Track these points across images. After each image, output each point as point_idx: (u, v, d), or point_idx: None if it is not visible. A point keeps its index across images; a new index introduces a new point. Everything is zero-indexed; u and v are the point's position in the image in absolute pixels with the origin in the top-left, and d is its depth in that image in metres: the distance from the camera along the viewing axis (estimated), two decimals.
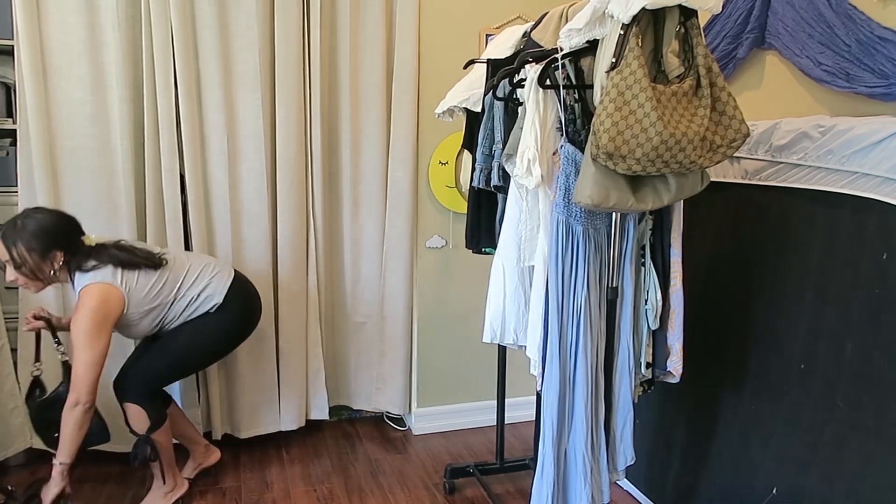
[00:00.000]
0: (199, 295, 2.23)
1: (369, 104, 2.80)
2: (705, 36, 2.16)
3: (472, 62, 2.30)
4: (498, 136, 2.01)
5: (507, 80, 1.86)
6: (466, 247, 2.32)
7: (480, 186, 2.08)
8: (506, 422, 2.58)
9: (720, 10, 1.50)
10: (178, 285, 2.19)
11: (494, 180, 2.01)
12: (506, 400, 2.55)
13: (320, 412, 2.93)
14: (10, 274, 2.03)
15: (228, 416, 2.81)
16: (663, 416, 2.28)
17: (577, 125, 1.68)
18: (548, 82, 1.65)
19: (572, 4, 1.78)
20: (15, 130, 2.47)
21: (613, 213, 1.67)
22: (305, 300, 2.83)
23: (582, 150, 1.57)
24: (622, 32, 1.43)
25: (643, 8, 1.39)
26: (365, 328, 2.99)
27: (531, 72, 1.67)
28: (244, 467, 2.70)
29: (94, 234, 2.54)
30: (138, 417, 2.21)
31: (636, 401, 1.83)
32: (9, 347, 2.50)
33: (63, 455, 2.03)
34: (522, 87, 1.80)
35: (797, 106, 2.02)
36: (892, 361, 1.49)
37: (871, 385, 1.54)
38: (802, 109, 2.00)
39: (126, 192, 2.53)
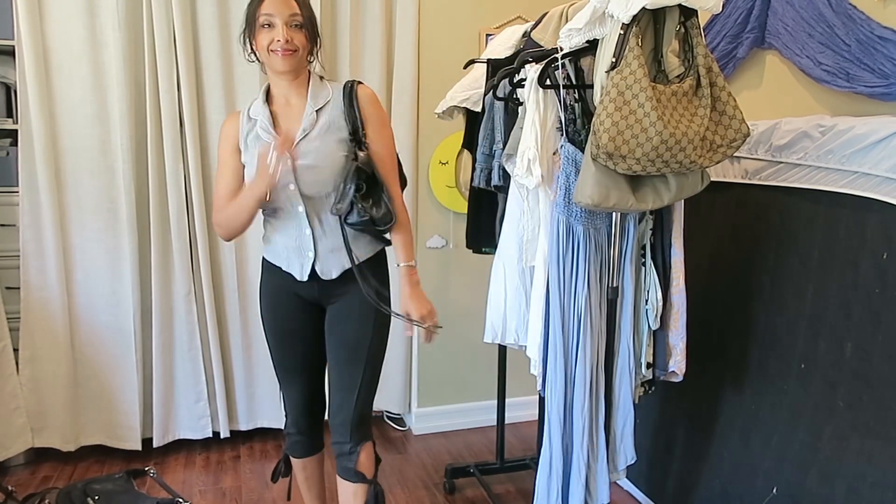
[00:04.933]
0: None
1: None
2: (705, 36, 2.16)
3: (472, 62, 2.30)
4: (498, 136, 2.01)
5: (507, 79, 1.86)
6: (467, 246, 2.32)
7: (481, 186, 2.08)
8: (506, 422, 2.58)
9: (720, 9, 1.50)
10: None
11: (495, 180, 2.02)
12: (506, 400, 2.56)
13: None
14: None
15: (228, 410, 2.82)
16: (663, 416, 2.28)
17: (577, 125, 1.68)
18: (548, 82, 1.64)
19: (572, 4, 1.78)
20: (16, 130, 2.48)
21: (614, 213, 1.67)
22: None
23: (582, 150, 1.57)
24: (622, 32, 1.43)
25: (643, 8, 1.39)
26: None
27: (531, 72, 1.67)
28: (244, 467, 2.70)
29: (93, 233, 2.56)
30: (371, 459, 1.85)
31: (637, 401, 1.82)
32: (11, 347, 2.51)
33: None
34: (522, 86, 1.79)
35: (797, 106, 2.02)
36: (892, 361, 1.49)
37: (871, 385, 1.54)
38: (802, 109, 2.00)
39: (126, 192, 2.53)
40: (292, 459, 1.98)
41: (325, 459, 2.06)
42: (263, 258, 1.84)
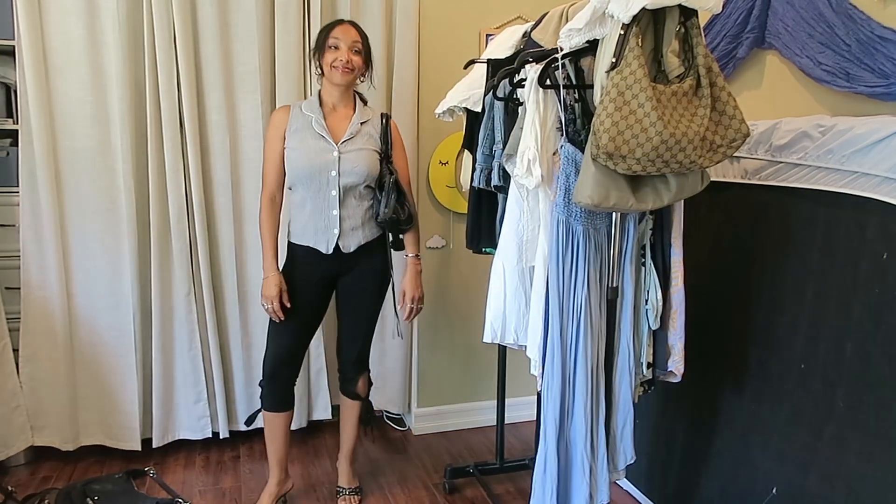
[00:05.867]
0: None
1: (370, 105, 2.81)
2: (705, 36, 2.16)
3: (472, 62, 2.30)
4: (498, 136, 2.01)
5: (507, 80, 1.86)
6: (467, 247, 2.32)
7: (481, 186, 2.08)
8: (506, 422, 2.58)
9: (720, 9, 1.50)
10: None
11: (495, 180, 2.02)
12: (506, 400, 2.56)
13: (323, 412, 2.94)
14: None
15: (227, 411, 2.82)
16: (663, 416, 2.28)
17: (577, 125, 1.68)
18: (548, 82, 1.65)
19: (572, 4, 1.78)
20: (16, 131, 2.48)
21: (614, 213, 1.67)
22: None
23: (582, 150, 1.57)
24: (622, 32, 1.43)
25: (643, 8, 1.39)
26: None
27: (531, 72, 1.67)
28: (244, 467, 2.70)
29: (93, 233, 2.56)
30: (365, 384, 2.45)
31: (636, 401, 1.82)
32: (10, 347, 2.51)
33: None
34: (522, 87, 1.80)
35: (797, 106, 2.02)
36: (892, 361, 1.49)
37: (871, 385, 1.54)
38: (802, 109, 2.00)
39: (126, 192, 2.53)
40: (265, 413, 2.31)
41: (290, 422, 2.36)
42: (290, 244, 2.24)
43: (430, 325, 3.02)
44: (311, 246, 2.19)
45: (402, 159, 2.31)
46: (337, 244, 2.17)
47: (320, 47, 2.15)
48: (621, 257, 1.72)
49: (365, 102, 2.29)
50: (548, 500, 1.72)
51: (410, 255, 2.32)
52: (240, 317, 2.76)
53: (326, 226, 2.16)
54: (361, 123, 2.21)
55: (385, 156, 2.22)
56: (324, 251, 2.18)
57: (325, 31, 2.16)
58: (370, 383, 2.47)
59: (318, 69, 2.19)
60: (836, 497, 1.62)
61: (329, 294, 2.31)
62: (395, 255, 2.33)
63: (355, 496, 2.46)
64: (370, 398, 2.49)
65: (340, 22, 2.17)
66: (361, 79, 2.23)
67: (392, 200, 2.16)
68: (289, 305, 2.18)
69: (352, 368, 2.37)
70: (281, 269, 2.21)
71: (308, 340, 2.33)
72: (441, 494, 2.53)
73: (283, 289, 2.17)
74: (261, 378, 2.28)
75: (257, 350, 2.81)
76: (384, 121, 2.25)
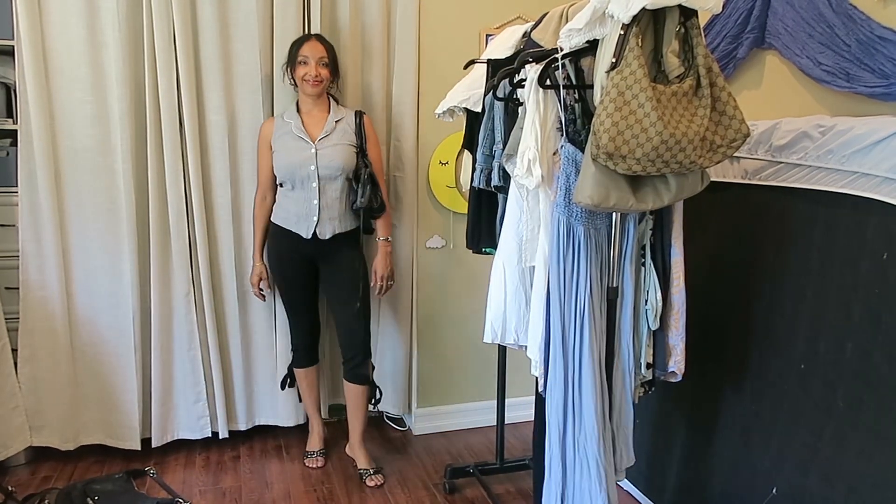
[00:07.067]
0: None
1: (370, 105, 2.81)
2: (705, 36, 2.16)
3: (472, 62, 2.30)
4: (498, 137, 2.01)
5: (507, 80, 1.86)
6: (467, 247, 2.32)
7: (481, 186, 2.08)
8: (506, 422, 2.58)
9: (720, 10, 1.50)
10: None
11: (495, 180, 2.01)
12: (506, 400, 2.56)
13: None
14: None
15: (227, 410, 2.81)
16: (663, 416, 2.28)
17: (577, 125, 1.68)
18: (548, 82, 1.64)
19: (572, 4, 1.78)
20: (15, 131, 2.48)
21: (614, 213, 1.67)
22: None
23: (582, 150, 1.57)
24: (622, 32, 1.43)
25: (643, 8, 1.39)
26: None
27: (531, 72, 1.66)
28: (244, 467, 2.70)
29: (93, 233, 2.56)
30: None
31: (636, 401, 1.82)
32: (9, 347, 2.51)
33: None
34: (522, 87, 1.79)
35: (797, 106, 2.02)
36: (892, 361, 1.49)
37: (871, 385, 1.54)
38: (802, 109, 2.00)
39: (126, 192, 2.53)
40: (296, 371, 2.71)
41: (317, 375, 2.78)
42: (272, 224, 2.54)
43: (431, 326, 3.02)
44: (292, 230, 2.47)
45: (376, 152, 2.58)
46: (315, 231, 2.44)
47: (292, 62, 2.45)
48: (621, 257, 1.71)
49: (338, 102, 2.57)
50: None
51: (381, 238, 2.62)
52: (239, 317, 2.76)
53: (307, 214, 2.44)
54: (336, 122, 2.49)
55: (361, 149, 2.50)
56: (304, 236, 2.45)
57: (295, 47, 2.44)
58: (373, 367, 2.69)
59: (292, 81, 2.50)
60: (836, 497, 1.62)
61: (314, 273, 2.57)
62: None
63: (379, 475, 2.59)
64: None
65: (308, 38, 2.45)
66: (332, 86, 2.53)
67: (368, 190, 2.44)
68: (266, 291, 2.64)
69: (359, 353, 2.55)
70: (266, 245, 2.59)
71: (312, 310, 2.66)
72: (441, 494, 2.53)
73: (262, 277, 2.61)
74: (292, 345, 2.71)
75: (256, 350, 2.81)
76: (358, 118, 2.52)
